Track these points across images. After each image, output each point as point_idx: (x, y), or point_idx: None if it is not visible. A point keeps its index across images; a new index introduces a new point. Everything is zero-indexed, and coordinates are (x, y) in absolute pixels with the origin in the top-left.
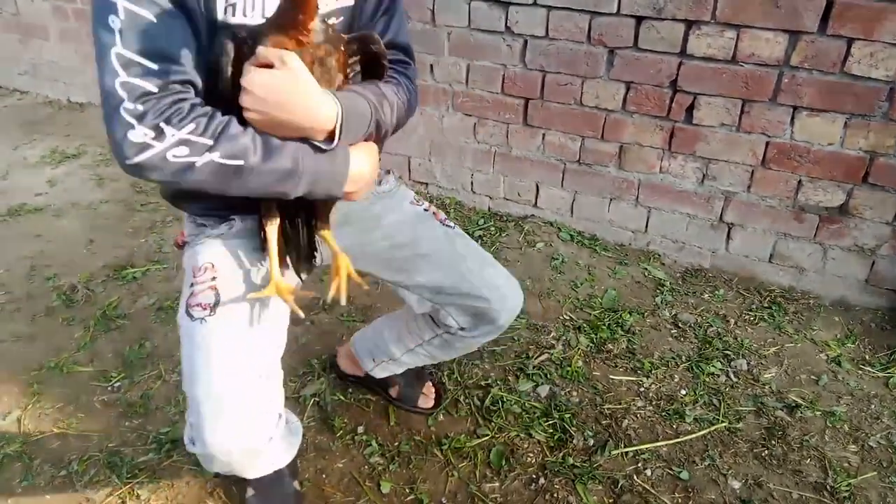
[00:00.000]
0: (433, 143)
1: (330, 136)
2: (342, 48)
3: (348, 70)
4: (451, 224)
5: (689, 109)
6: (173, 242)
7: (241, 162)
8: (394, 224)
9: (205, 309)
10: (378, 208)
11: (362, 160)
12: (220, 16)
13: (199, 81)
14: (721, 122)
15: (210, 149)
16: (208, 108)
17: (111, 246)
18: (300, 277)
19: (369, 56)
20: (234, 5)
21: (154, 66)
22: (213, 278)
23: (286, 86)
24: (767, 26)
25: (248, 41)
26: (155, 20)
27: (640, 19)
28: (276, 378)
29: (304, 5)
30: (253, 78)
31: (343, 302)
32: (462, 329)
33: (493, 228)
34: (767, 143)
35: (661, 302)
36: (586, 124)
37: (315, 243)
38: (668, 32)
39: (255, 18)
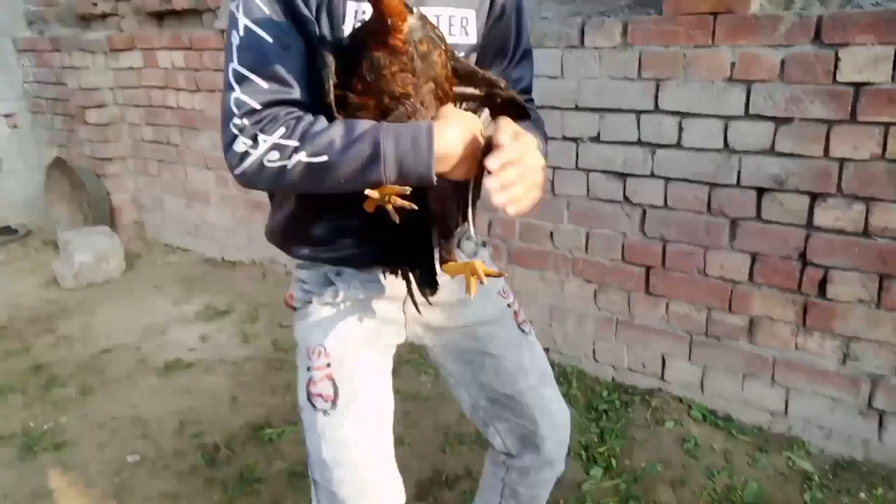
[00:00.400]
0: (553, 309)
1: None
2: (444, 45)
3: (450, 72)
4: (527, 329)
5: (822, 283)
6: (284, 302)
7: (325, 157)
8: (476, 311)
9: (326, 401)
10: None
11: (451, 135)
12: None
13: (308, 101)
14: (858, 297)
15: (297, 150)
16: (299, 113)
17: (252, 404)
18: (426, 299)
19: (496, 99)
20: (363, 21)
21: (264, 86)
22: (328, 365)
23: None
24: None
25: (349, 50)
26: (271, 41)
27: (761, 191)
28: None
29: (391, 10)
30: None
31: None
32: (508, 455)
33: (617, 402)
34: None
35: (811, 500)
36: (712, 295)
37: (434, 264)
38: (793, 204)
39: None
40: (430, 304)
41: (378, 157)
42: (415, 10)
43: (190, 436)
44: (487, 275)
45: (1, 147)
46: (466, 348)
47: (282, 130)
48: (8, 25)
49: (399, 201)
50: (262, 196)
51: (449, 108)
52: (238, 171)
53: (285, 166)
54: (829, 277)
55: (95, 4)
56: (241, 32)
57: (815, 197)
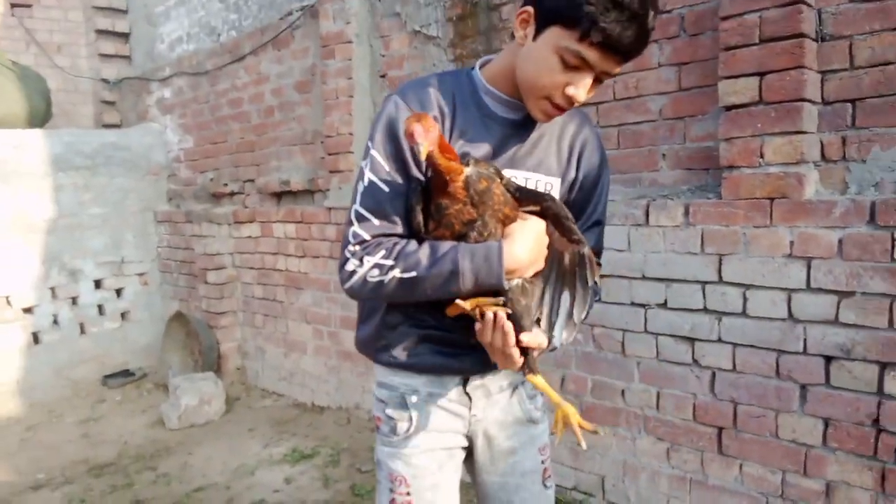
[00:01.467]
0: (626, 465)
1: None
2: (500, 178)
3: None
4: (549, 484)
5: None
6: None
7: (413, 273)
8: (517, 461)
9: None
10: (519, 437)
11: (517, 248)
12: None
13: (410, 234)
14: None
15: (392, 268)
16: (398, 240)
17: None
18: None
19: (549, 212)
20: None
21: (376, 223)
22: (408, 493)
23: None
24: None
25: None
26: (387, 191)
27: (829, 359)
28: None
29: (447, 170)
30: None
31: (583, 446)
32: None
33: None
34: None
35: None
36: (786, 458)
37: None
38: (861, 372)
39: None
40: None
41: (457, 273)
42: (470, 161)
43: None
44: (581, 427)
45: (131, 300)
46: (495, 493)
47: (382, 252)
48: (153, 202)
49: (493, 309)
50: (352, 349)
51: (516, 226)
52: (347, 285)
53: (382, 280)
54: None
55: (226, 185)
56: (366, 183)
57: (884, 366)
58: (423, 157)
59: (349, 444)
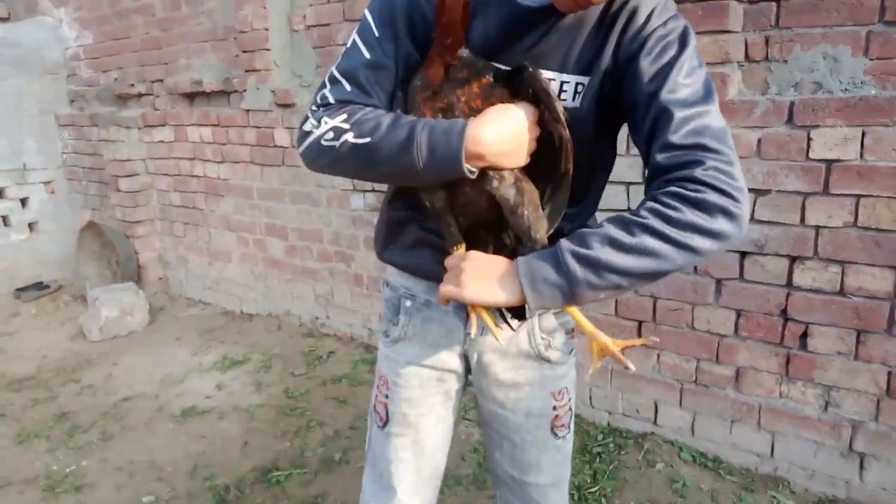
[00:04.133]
0: None
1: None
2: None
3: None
4: (562, 433)
5: (803, 337)
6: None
7: (368, 139)
8: (520, 398)
9: (380, 420)
10: (525, 373)
11: (485, 128)
12: None
13: (382, 106)
14: (837, 350)
15: (347, 131)
16: (366, 108)
17: (261, 449)
18: (511, 327)
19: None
20: None
21: (347, 88)
22: (387, 396)
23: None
24: (872, 263)
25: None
26: (368, 57)
27: (744, 254)
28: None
29: (451, 30)
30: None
31: (632, 368)
32: None
33: (611, 445)
34: (890, 373)
35: None
36: (700, 347)
37: None
38: (773, 266)
39: None
40: (513, 329)
41: (412, 142)
42: (464, 50)
43: (202, 478)
44: (624, 349)
45: (37, 210)
46: (492, 422)
47: (343, 116)
48: (53, 104)
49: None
50: (279, 255)
51: (491, 108)
52: (300, 149)
53: (334, 146)
54: (810, 332)
55: (132, 86)
56: (349, 44)
57: (793, 260)
58: None
59: (281, 350)
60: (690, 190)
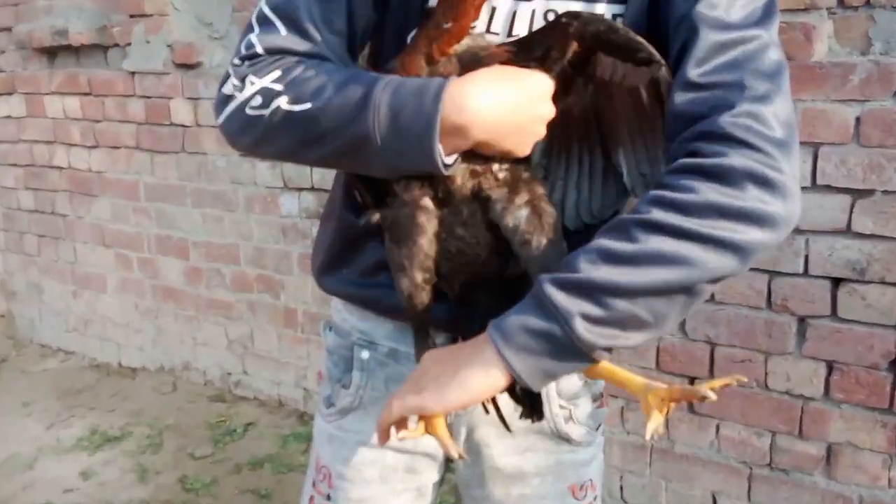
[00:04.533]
0: None
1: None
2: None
3: None
4: None
5: None
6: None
7: (308, 105)
8: (526, 496)
9: None
10: (535, 458)
11: (475, 88)
12: None
13: (333, 57)
14: None
15: (280, 94)
16: (308, 61)
17: None
18: (532, 418)
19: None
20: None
21: (282, 32)
22: (328, 497)
23: None
24: None
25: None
26: None
27: (837, 281)
28: None
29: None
30: None
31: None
32: None
33: None
34: None
35: None
36: (776, 415)
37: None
38: (879, 299)
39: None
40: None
41: (368, 105)
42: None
43: None
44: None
45: None
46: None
47: (276, 74)
48: None
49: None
50: (176, 283)
51: (492, 67)
52: (220, 119)
53: (263, 115)
54: None
55: None
56: None
57: None
58: None
59: (176, 420)
60: (708, 154)
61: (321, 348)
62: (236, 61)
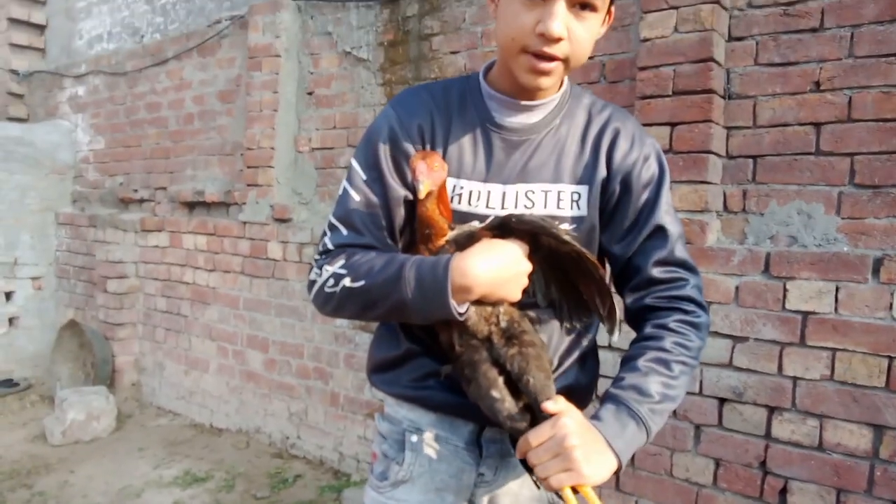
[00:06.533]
0: None
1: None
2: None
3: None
4: None
5: (783, 492)
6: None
7: (362, 282)
8: None
9: None
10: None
11: (472, 261)
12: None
13: (379, 246)
14: None
15: (344, 276)
16: (360, 249)
17: None
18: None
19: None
20: (460, 194)
21: (344, 232)
22: None
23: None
24: (850, 418)
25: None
26: (358, 199)
27: (722, 401)
28: None
29: (430, 226)
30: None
31: None
32: None
33: None
34: None
35: None
36: (678, 496)
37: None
38: (752, 415)
39: (479, 208)
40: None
41: (400, 279)
42: (455, 227)
43: None
44: None
45: (21, 305)
46: None
47: (341, 262)
48: (55, 202)
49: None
50: (257, 369)
51: (482, 242)
52: (311, 296)
53: (335, 292)
54: (789, 487)
55: (136, 191)
56: (340, 191)
57: (772, 410)
58: (421, 195)
59: (246, 469)
60: (690, 314)
61: (355, 423)
62: (317, 256)
